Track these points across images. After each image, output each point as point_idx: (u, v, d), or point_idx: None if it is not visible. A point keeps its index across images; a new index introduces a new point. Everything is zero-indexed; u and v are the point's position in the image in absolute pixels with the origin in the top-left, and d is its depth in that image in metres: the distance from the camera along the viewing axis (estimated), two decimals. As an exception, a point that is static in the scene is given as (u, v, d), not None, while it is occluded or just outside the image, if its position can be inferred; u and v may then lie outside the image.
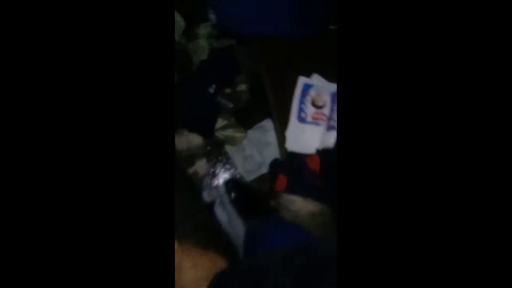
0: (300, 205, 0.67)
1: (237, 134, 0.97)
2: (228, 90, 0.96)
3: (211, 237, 0.83)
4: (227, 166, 0.98)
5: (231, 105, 0.97)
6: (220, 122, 0.96)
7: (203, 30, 0.92)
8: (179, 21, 0.90)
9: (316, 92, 0.80)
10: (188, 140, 0.97)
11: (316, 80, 0.81)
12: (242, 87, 0.97)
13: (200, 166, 0.98)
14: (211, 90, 0.93)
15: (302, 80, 0.80)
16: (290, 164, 0.76)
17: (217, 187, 0.94)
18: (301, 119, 0.79)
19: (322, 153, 0.74)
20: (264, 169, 0.93)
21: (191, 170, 0.97)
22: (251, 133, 0.97)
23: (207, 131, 0.97)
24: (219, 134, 0.97)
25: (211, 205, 0.91)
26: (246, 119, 0.97)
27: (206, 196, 0.93)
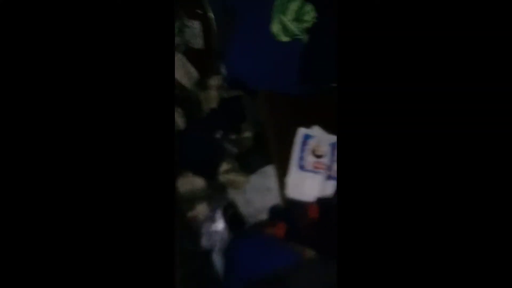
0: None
1: (240, 178, 0.99)
2: (233, 136, 1.01)
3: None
4: (228, 210, 0.98)
5: (236, 150, 1.01)
6: (224, 166, 0.99)
7: (214, 81, 1.01)
8: (193, 73, 0.99)
9: (316, 142, 0.85)
10: (191, 183, 1.00)
11: (316, 131, 0.86)
12: (247, 134, 1.02)
13: (201, 209, 0.98)
14: (218, 135, 0.99)
15: (302, 131, 0.85)
16: (290, 211, 0.77)
17: (216, 232, 0.94)
18: (302, 167, 0.83)
19: (321, 202, 0.75)
20: (265, 215, 0.93)
21: (190, 214, 0.97)
22: (253, 178, 0.99)
23: (210, 174, 0.99)
24: (222, 178, 0.99)
25: (210, 251, 0.89)
26: (249, 164, 1.00)
27: (205, 242, 0.92)
